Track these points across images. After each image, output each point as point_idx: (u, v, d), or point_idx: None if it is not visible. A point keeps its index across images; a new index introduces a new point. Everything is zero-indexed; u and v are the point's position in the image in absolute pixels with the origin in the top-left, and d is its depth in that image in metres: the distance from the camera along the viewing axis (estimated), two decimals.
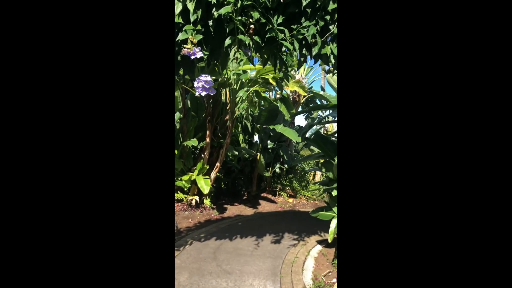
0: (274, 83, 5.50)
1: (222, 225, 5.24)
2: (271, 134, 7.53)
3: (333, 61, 2.40)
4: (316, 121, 9.18)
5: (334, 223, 3.22)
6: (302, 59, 2.36)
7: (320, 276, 3.29)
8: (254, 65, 2.39)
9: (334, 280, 3.14)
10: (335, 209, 3.70)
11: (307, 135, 6.51)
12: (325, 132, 8.75)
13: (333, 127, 9.17)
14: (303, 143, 8.45)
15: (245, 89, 4.03)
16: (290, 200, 7.35)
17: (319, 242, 4.52)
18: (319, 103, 8.99)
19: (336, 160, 3.17)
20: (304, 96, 7.84)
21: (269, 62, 2.47)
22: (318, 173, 8.46)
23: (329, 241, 3.15)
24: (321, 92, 4.80)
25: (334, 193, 3.78)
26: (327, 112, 9.46)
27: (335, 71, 2.48)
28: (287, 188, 7.81)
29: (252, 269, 3.43)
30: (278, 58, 2.38)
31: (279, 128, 6.56)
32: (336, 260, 3.47)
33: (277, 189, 7.66)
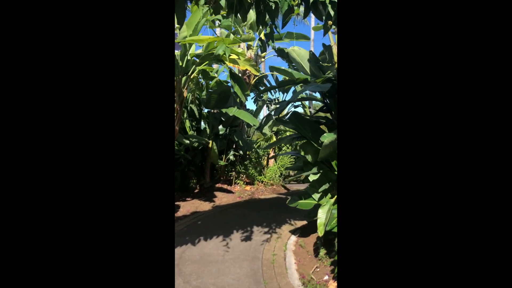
0: (229, 63, 4.79)
1: (179, 226, 4.48)
2: (222, 119, 6.82)
3: (332, 12, 1.88)
4: (267, 103, 8.77)
5: (322, 214, 2.80)
6: (296, 8, 1.77)
7: (308, 274, 2.88)
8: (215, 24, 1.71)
9: (326, 277, 2.76)
10: (315, 196, 3.31)
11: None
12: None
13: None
14: (255, 127, 7.97)
15: (224, 45, 3.10)
16: (248, 188, 6.88)
17: (292, 232, 4.15)
18: (268, 84, 8.57)
19: (320, 142, 2.73)
20: (255, 77, 7.29)
21: (248, 24, 1.81)
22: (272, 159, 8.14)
23: (320, 235, 2.73)
24: (283, 67, 4.29)
25: (312, 178, 3.38)
26: (277, 94, 9.16)
27: (334, 27, 1.96)
28: (243, 176, 7.31)
29: (229, 279, 2.84)
30: (264, 6, 1.74)
31: (234, 111, 5.91)
32: (321, 251, 3.10)
33: (232, 178, 7.09)
